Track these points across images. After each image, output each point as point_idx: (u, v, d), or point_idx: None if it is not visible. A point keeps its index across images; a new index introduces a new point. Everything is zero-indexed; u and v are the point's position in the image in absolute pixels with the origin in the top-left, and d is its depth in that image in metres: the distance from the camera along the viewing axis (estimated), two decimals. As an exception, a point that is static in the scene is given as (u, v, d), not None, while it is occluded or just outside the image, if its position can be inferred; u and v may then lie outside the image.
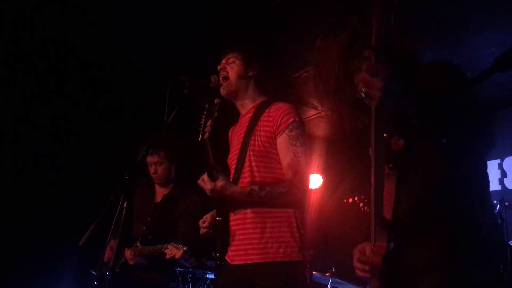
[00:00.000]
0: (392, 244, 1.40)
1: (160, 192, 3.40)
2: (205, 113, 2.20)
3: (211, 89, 2.44)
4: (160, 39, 4.47)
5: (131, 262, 3.08)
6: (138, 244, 3.12)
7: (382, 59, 1.19)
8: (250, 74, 2.49)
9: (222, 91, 2.47)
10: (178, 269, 4.65)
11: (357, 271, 1.50)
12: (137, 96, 4.96)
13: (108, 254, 3.13)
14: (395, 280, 1.43)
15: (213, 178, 2.21)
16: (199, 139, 2.18)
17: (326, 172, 6.57)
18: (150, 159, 3.28)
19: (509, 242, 3.96)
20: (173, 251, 2.91)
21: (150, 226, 3.21)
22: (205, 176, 2.23)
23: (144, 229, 3.16)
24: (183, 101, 2.36)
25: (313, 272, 4.30)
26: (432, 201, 1.43)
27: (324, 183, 6.57)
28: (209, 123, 2.18)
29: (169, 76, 2.42)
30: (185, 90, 2.35)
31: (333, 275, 4.45)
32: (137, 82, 4.90)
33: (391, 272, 1.41)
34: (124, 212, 2.35)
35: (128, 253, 3.10)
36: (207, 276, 4.83)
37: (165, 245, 2.95)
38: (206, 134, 2.18)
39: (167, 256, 2.91)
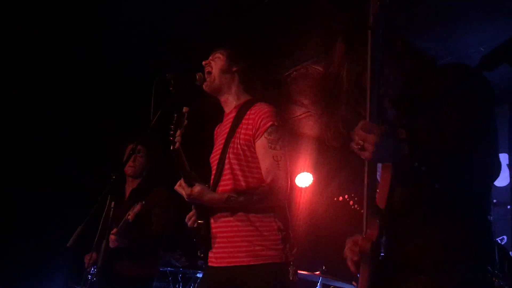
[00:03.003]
0: (383, 236, 1.40)
1: (128, 189, 3.43)
2: (174, 122, 2.20)
3: (196, 88, 2.42)
4: (147, 38, 4.44)
5: (114, 244, 3.03)
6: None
7: (375, 116, 1.32)
8: (233, 69, 2.47)
9: (205, 87, 2.46)
10: (169, 268, 4.64)
11: (347, 261, 1.50)
12: (123, 95, 4.92)
13: (89, 262, 3.13)
14: (385, 271, 1.43)
15: (189, 184, 2.20)
16: (171, 149, 2.18)
17: (316, 170, 6.57)
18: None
19: (497, 240, 3.99)
20: (133, 209, 2.95)
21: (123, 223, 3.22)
22: (182, 182, 2.23)
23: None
24: (169, 100, 2.35)
25: (299, 271, 4.31)
26: (427, 196, 1.44)
27: (315, 181, 6.57)
28: (178, 133, 2.18)
29: (155, 75, 2.40)
30: (171, 89, 2.34)
31: (323, 273, 4.46)
32: (123, 82, 4.86)
33: (381, 262, 1.42)
34: (111, 212, 2.34)
35: (110, 237, 3.05)
36: (198, 275, 4.82)
37: (126, 214, 2.99)
38: (177, 144, 2.18)
39: (131, 218, 2.94)
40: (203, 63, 2.49)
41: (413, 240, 1.44)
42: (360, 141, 1.32)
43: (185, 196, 2.23)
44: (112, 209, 2.33)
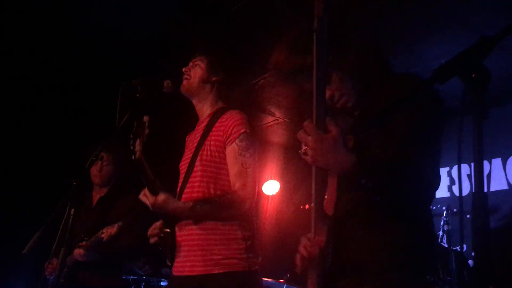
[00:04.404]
0: (330, 243, 1.41)
1: (96, 196, 3.37)
2: (133, 132, 2.18)
3: (163, 94, 2.40)
4: (118, 42, 4.38)
5: (82, 259, 3.00)
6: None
7: (322, 118, 1.31)
8: (213, 79, 2.47)
9: (182, 90, 2.46)
10: (131, 277, 4.55)
11: (296, 262, 1.49)
12: (87, 100, 4.82)
13: (49, 270, 3.05)
14: (332, 276, 1.44)
15: (154, 193, 2.18)
16: (133, 159, 2.15)
17: (283, 178, 6.61)
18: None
19: (457, 248, 4.09)
20: (108, 230, 2.89)
21: (89, 229, 3.14)
22: (146, 191, 2.20)
23: (83, 235, 3.10)
24: (135, 106, 2.32)
25: (264, 278, 4.31)
26: (371, 202, 1.45)
27: (282, 189, 6.61)
28: (138, 142, 2.16)
29: (122, 80, 2.37)
30: (137, 95, 2.32)
31: (288, 281, 4.48)
32: (87, 86, 4.77)
33: (330, 267, 1.43)
34: (71, 219, 2.29)
35: (77, 251, 3.02)
36: (162, 284, 4.75)
37: (100, 231, 2.92)
38: (137, 154, 2.16)
39: (105, 238, 2.87)
40: (183, 69, 2.49)
41: (354, 246, 1.45)
42: (304, 146, 1.32)
43: (149, 205, 2.19)
44: (71, 216, 2.28)
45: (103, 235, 2.90)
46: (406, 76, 1.56)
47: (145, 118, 2.19)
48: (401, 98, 1.44)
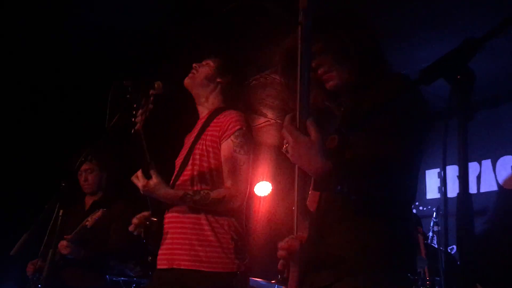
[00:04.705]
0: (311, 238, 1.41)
1: (89, 201, 3.36)
2: (138, 101, 2.14)
3: (154, 96, 2.39)
4: (109, 43, 4.36)
5: (66, 251, 2.95)
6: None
7: (305, 114, 1.32)
8: (218, 80, 2.50)
9: (186, 82, 2.48)
10: (122, 278, 4.52)
11: (279, 267, 1.49)
12: (77, 100, 4.80)
13: (29, 270, 3.03)
14: (312, 269, 1.44)
15: (147, 176, 2.16)
16: (132, 131, 2.10)
17: (275, 179, 6.60)
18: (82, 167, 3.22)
19: (448, 249, 4.11)
20: (92, 217, 2.87)
21: (78, 231, 3.13)
22: (139, 173, 2.17)
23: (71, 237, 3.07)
24: (126, 107, 2.31)
25: (256, 279, 4.31)
26: (348, 200, 1.45)
27: (274, 190, 6.60)
28: (140, 112, 2.11)
29: (112, 81, 2.36)
30: (128, 96, 2.31)
31: (279, 282, 4.47)
32: (79, 86, 4.74)
33: (310, 263, 1.43)
34: (59, 220, 2.28)
35: (61, 243, 2.96)
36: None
37: (85, 220, 2.90)
38: (138, 125, 2.11)
39: (89, 224, 2.86)
40: (193, 65, 2.52)
41: (333, 242, 1.45)
42: (285, 142, 1.33)
43: (140, 188, 2.16)
44: (60, 217, 2.27)
45: (87, 223, 2.88)
46: (395, 76, 1.55)
47: (156, 85, 2.14)
48: (387, 98, 1.44)
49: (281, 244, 1.46)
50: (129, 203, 2.30)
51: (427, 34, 4.11)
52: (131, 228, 2.32)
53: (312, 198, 1.49)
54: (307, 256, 1.41)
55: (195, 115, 2.60)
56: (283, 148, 1.35)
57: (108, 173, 3.36)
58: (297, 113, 1.33)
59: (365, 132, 1.42)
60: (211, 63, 2.52)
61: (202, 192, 2.23)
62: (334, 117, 1.60)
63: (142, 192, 2.19)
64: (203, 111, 2.53)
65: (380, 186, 1.37)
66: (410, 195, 1.50)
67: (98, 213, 2.86)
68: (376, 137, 1.39)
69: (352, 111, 1.55)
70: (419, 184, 1.56)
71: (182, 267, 2.20)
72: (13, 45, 4.30)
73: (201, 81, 2.48)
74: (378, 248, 1.41)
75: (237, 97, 2.59)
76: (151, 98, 2.16)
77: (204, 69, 2.51)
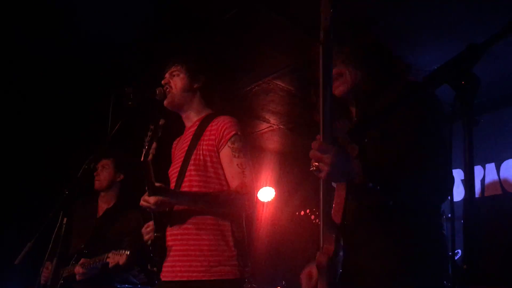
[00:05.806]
0: (341, 250, 1.41)
1: (102, 208, 3.32)
2: (149, 134, 2.14)
3: (156, 103, 2.40)
4: (105, 50, 4.36)
5: (80, 277, 2.95)
6: (74, 261, 3.02)
7: (329, 136, 1.35)
8: (195, 86, 2.47)
9: (166, 104, 2.43)
10: (126, 285, 4.51)
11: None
12: (79, 109, 4.80)
13: (45, 275, 3.01)
14: (344, 284, 1.44)
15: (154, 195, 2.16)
16: (142, 160, 2.11)
17: (278, 185, 6.60)
18: (98, 164, 3.22)
19: (456, 252, 4.09)
20: (116, 258, 2.83)
21: (89, 240, 3.11)
22: (145, 196, 2.17)
23: (83, 246, 3.06)
24: (127, 114, 2.31)
25: (258, 286, 4.30)
26: (381, 208, 1.47)
27: (277, 196, 6.60)
28: (154, 145, 2.12)
29: (113, 89, 2.37)
30: (129, 103, 2.31)
31: (283, 288, 4.47)
32: (80, 95, 4.75)
33: (340, 275, 1.43)
34: (63, 228, 2.27)
35: (77, 269, 2.97)
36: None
37: (105, 254, 2.86)
38: (150, 156, 2.12)
39: (110, 264, 2.82)
40: (162, 82, 2.46)
41: (367, 253, 1.47)
42: (315, 163, 1.35)
43: (152, 204, 2.12)
44: (64, 225, 2.27)
45: (108, 260, 2.84)
46: (408, 82, 1.57)
47: (161, 122, 2.16)
48: (397, 100, 1.45)
49: (306, 279, 1.52)
50: (144, 213, 2.27)
51: (426, 39, 4.11)
52: (145, 238, 2.32)
53: (336, 210, 1.48)
54: (337, 269, 1.41)
55: (179, 121, 2.55)
56: (313, 169, 1.37)
57: (123, 176, 3.32)
58: (321, 129, 1.36)
59: (381, 135, 1.44)
60: (179, 73, 2.45)
61: (211, 193, 2.24)
62: (345, 124, 1.62)
63: (154, 207, 2.14)
64: (191, 120, 2.50)
65: (414, 182, 1.40)
66: (444, 192, 1.50)
67: (123, 259, 2.79)
68: (401, 138, 1.42)
69: (363, 118, 1.56)
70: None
71: (187, 279, 2.20)
72: (8, 50, 4.30)
73: (179, 95, 2.43)
74: (413, 256, 1.42)
75: (219, 95, 2.57)
76: (161, 127, 2.17)
77: (176, 81, 2.44)
